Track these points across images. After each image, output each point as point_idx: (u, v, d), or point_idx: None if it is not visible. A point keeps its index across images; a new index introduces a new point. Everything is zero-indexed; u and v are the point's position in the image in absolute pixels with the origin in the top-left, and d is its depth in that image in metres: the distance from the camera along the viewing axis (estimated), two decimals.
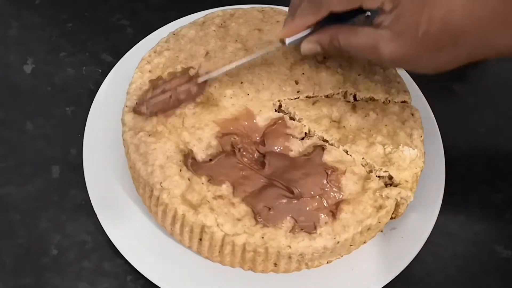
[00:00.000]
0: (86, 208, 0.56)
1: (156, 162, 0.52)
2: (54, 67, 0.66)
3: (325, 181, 0.52)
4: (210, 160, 0.53)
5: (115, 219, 0.54)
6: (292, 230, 0.50)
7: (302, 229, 0.50)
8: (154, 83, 0.56)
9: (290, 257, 0.51)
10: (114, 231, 0.54)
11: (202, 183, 0.51)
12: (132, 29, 0.69)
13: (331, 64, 0.59)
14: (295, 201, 0.51)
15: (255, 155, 0.54)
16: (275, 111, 0.57)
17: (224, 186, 0.51)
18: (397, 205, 0.54)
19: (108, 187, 0.56)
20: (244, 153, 0.53)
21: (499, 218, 0.61)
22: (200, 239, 0.51)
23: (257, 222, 0.50)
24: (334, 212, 0.51)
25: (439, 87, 0.68)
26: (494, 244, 0.59)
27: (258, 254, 0.50)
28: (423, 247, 0.55)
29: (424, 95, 0.63)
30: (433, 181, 0.58)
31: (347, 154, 0.54)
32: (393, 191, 0.52)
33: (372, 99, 0.58)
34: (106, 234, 0.54)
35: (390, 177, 0.54)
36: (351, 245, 0.52)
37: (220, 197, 0.51)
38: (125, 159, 0.56)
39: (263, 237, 0.49)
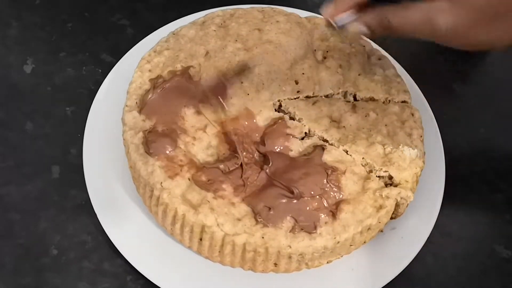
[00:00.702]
0: (86, 208, 0.56)
1: (156, 162, 0.52)
2: (54, 67, 0.66)
3: (325, 181, 0.52)
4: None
5: (115, 219, 0.54)
6: (292, 230, 0.50)
7: (302, 229, 0.50)
8: (154, 83, 0.56)
9: (290, 257, 0.51)
10: (114, 231, 0.54)
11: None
12: (132, 29, 0.69)
13: (331, 64, 0.59)
14: (295, 201, 0.51)
15: (255, 155, 0.54)
16: (275, 111, 0.57)
17: (224, 186, 0.51)
18: (397, 205, 0.54)
19: (108, 187, 0.56)
20: (244, 153, 0.53)
21: (499, 218, 0.61)
22: (200, 239, 0.51)
23: (257, 222, 0.50)
24: (334, 212, 0.51)
25: (439, 87, 0.68)
26: (494, 244, 0.59)
27: (258, 254, 0.50)
28: (423, 247, 0.55)
29: (424, 95, 0.63)
30: (433, 181, 0.58)
31: (347, 154, 0.54)
32: (393, 191, 0.52)
33: (372, 99, 0.58)
34: (106, 234, 0.53)
35: (390, 177, 0.54)
36: (351, 245, 0.52)
37: (220, 197, 0.51)
38: (125, 159, 0.56)
39: (263, 237, 0.49)
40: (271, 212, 0.50)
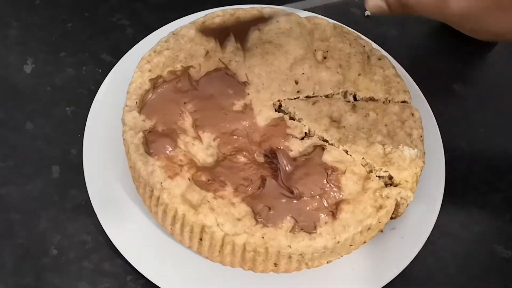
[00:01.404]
0: (86, 208, 0.56)
1: (156, 162, 0.52)
2: (54, 67, 0.66)
3: (325, 181, 0.52)
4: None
5: (115, 219, 0.54)
6: (292, 230, 0.50)
7: (302, 229, 0.50)
8: (154, 83, 0.56)
9: (290, 257, 0.51)
10: (114, 231, 0.54)
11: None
12: (132, 29, 0.69)
13: (331, 64, 0.59)
14: (295, 201, 0.51)
15: (255, 155, 0.54)
16: (275, 111, 0.57)
17: (224, 186, 0.51)
18: (397, 205, 0.54)
19: (108, 187, 0.56)
20: (244, 153, 0.53)
21: (499, 218, 0.61)
22: (200, 239, 0.51)
23: (257, 222, 0.50)
24: (334, 212, 0.51)
25: (439, 87, 0.68)
26: (494, 244, 0.59)
27: (258, 254, 0.50)
28: (423, 247, 0.55)
29: (424, 95, 0.63)
30: (433, 181, 0.58)
31: (347, 154, 0.54)
32: (393, 191, 0.52)
33: (372, 99, 0.59)
34: (106, 234, 0.53)
35: (390, 177, 0.54)
36: (351, 245, 0.52)
37: (220, 197, 0.51)
38: (125, 159, 0.56)
39: (263, 237, 0.49)
40: (271, 212, 0.50)
